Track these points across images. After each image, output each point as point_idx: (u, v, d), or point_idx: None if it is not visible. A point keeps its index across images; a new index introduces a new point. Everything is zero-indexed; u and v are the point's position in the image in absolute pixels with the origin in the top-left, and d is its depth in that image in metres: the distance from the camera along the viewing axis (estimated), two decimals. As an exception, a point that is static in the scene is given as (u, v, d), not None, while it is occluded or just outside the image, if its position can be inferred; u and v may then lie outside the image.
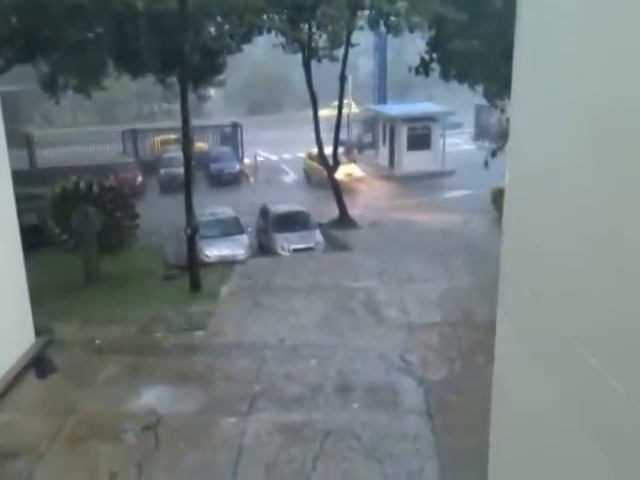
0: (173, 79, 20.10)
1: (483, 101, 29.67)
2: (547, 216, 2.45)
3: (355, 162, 30.12)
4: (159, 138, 36.35)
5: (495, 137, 20.52)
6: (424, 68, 19.54)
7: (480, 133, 36.51)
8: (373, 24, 23.39)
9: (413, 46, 28.01)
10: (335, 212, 22.56)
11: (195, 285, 15.66)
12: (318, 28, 22.08)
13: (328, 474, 8.51)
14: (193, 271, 15.85)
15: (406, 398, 10.38)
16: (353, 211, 22.92)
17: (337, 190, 23.01)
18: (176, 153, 28.01)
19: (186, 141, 17.26)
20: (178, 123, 18.56)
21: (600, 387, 1.93)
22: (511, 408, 3.00)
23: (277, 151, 36.24)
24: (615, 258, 1.83)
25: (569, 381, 2.20)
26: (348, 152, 31.26)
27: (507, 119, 18.82)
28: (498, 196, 20.10)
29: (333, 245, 20.10)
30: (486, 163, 17.27)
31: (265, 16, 21.49)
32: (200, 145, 32.98)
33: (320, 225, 21.29)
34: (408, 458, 8.86)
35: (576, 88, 2.13)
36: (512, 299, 2.86)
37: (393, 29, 22.35)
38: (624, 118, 1.78)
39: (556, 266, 2.30)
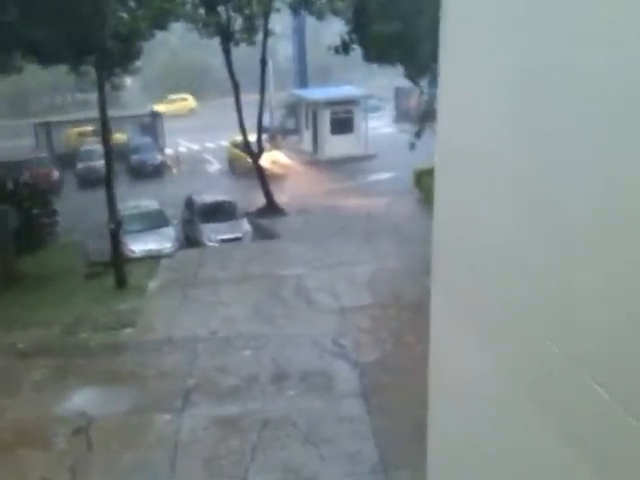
0: (87, 67, 19.35)
1: (402, 84, 30.12)
2: (477, 187, 2.48)
3: (279, 148, 30.01)
4: (75, 130, 35.10)
5: (415, 119, 20.84)
6: (344, 48, 19.68)
7: (400, 116, 36.97)
8: (295, 7, 23.33)
9: (331, 29, 28.04)
10: (262, 200, 22.44)
11: (121, 281, 15.30)
12: (235, 11, 21.72)
13: (267, 463, 8.55)
14: (118, 267, 15.47)
15: (341, 382, 10.51)
16: (280, 198, 22.87)
17: (263, 178, 22.86)
18: (94, 146, 27.13)
19: (105, 133, 16.77)
20: (95, 114, 18.01)
21: (536, 350, 1.98)
22: (448, 381, 3.02)
23: (199, 140, 35.68)
24: (547, 225, 1.88)
25: (506, 348, 2.23)
26: (272, 139, 31.10)
27: (426, 101, 19.12)
28: (420, 177, 20.49)
29: (261, 234, 20.03)
30: (412, 145, 17.64)
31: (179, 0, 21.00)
32: (119, 136, 32.04)
33: (247, 214, 21.15)
34: (346, 441, 9.00)
35: (504, 61, 2.16)
36: (446, 272, 2.88)
37: (317, 13, 22.31)
38: (551, 87, 1.81)
39: (489, 236, 2.33)
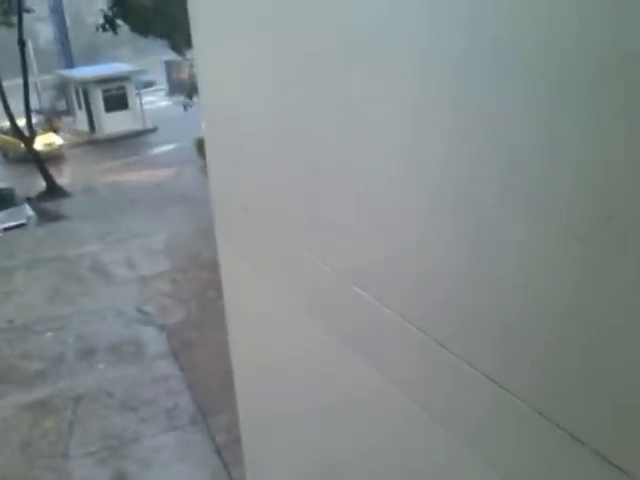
0: None
1: (171, 57, 29.22)
2: (239, 136, 2.54)
3: (57, 131, 27.78)
4: None
5: (189, 90, 20.59)
6: (110, 25, 18.51)
7: (173, 89, 35.99)
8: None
9: (93, 7, 26.37)
10: (42, 184, 20.80)
11: None
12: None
13: (87, 435, 8.21)
14: None
15: (150, 346, 10.32)
16: (61, 180, 21.33)
17: (39, 161, 21.13)
18: None
19: None
20: None
21: (311, 272, 2.07)
22: (243, 322, 3.00)
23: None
24: (301, 155, 1.96)
25: (286, 277, 2.31)
26: (51, 121, 28.73)
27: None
28: (201, 145, 20.30)
29: (47, 217, 18.57)
30: (185, 107, 17.78)
31: None
32: None
33: (28, 199, 19.49)
34: (162, 399, 8.91)
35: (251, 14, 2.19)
36: (225, 218, 2.91)
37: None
38: (290, 33, 1.89)
39: (261, 181, 2.37)
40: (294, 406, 2.64)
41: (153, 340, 10.49)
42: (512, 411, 1.31)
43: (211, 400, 8.69)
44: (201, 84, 2.84)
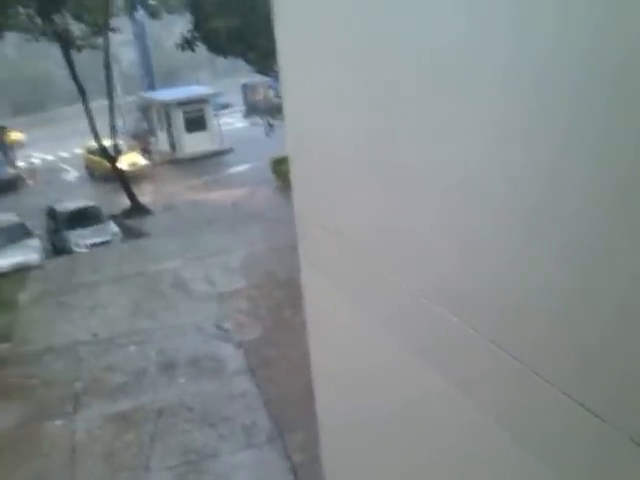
0: None
1: (247, 80, 30.03)
2: (327, 160, 2.55)
3: (147, 151, 29.19)
4: None
5: (265, 112, 21.17)
6: (188, 45, 19.47)
7: (250, 110, 36.90)
8: (130, 10, 22.86)
9: (174, 31, 27.50)
10: (126, 202, 21.74)
11: (-11, 299, 14.30)
12: (75, 18, 20.75)
13: (168, 449, 8.44)
14: (-16, 285, 14.45)
15: (228, 362, 10.54)
16: (144, 199, 22.23)
17: (124, 180, 22.12)
18: None
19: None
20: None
21: (390, 289, 2.09)
22: (325, 341, 3.02)
23: (52, 150, 33.76)
24: (388, 181, 2.01)
25: (368, 297, 2.34)
26: (142, 141, 30.26)
27: (275, 94, 19.67)
28: (277, 165, 20.72)
29: (130, 234, 19.38)
30: (267, 133, 18.27)
31: (11, 10, 19.73)
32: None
33: (113, 217, 20.42)
34: (240, 416, 9.06)
35: (340, 42, 2.22)
36: (308, 236, 2.96)
37: (152, 12, 21.92)
38: (380, 60, 1.92)
39: (342, 199, 2.42)
40: (374, 423, 2.64)
41: (231, 356, 10.72)
42: (603, 439, 1.31)
43: (288, 418, 8.77)
44: (287, 104, 2.89)
